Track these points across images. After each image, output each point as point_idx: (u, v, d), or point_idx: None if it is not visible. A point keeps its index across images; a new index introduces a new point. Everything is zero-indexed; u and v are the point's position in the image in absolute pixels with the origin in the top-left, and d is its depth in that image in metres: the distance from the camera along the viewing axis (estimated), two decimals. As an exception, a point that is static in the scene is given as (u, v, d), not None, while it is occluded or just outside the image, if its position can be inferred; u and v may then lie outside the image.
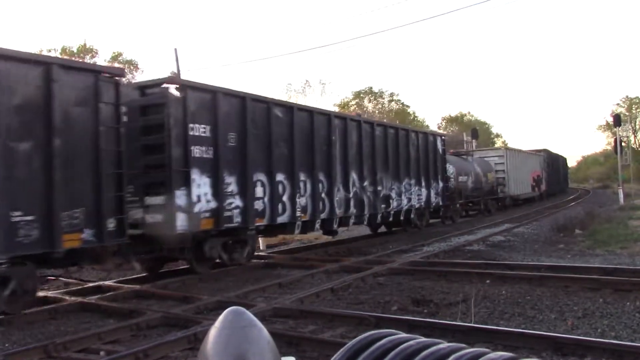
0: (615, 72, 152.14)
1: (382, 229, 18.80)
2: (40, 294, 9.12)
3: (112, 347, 6.05)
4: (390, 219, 16.81)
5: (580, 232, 16.74)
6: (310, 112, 13.22)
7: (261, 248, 15.59)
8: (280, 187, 11.85)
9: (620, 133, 35.85)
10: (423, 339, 2.23)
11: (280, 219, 11.89)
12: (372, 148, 15.44)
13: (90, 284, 9.95)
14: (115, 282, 10.08)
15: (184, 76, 30.97)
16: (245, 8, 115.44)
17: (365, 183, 15.01)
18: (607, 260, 11.41)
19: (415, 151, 17.96)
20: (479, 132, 45.47)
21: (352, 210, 14.41)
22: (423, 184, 18.36)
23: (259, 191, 11.30)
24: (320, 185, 13.08)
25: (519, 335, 5.83)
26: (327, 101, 48.73)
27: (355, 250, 14.15)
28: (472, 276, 9.33)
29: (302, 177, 12.53)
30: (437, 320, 6.62)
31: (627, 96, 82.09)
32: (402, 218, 17.40)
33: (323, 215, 13.23)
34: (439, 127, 71.62)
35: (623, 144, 37.19)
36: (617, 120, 34.18)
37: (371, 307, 7.63)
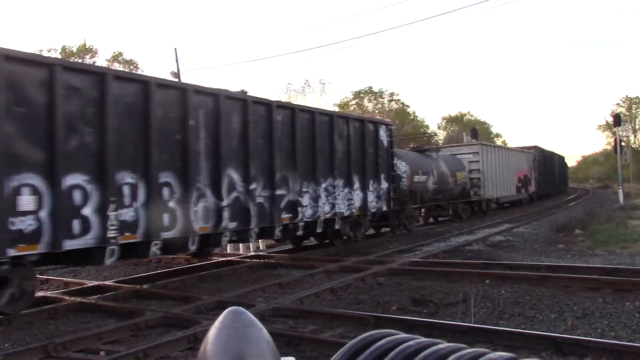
0: (615, 72, 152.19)
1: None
2: (40, 294, 9.13)
3: (112, 347, 6.06)
4: (300, 232, 12.63)
5: (580, 232, 16.75)
6: (145, 83, 8.92)
7: (261, 248, 15.60)
8: (76, 195, 7.80)
9: (620, 133, 35.82)
10: (423, 339, 2.23)
11: (73, 243, 7.68)
12: (268, 138, 11.35)
13: (90, 284, 9.95)
14: (114, 282, 10.08)
15: (184, 76, 30.96)
16: (245, 8, 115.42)
17: (254, 185, 10.85)
18: (607, 260, 11.42)
19: (344, 143, 13.95)
20: (478, 131, 45.52)
21: (227, 223, 10.16)
22: (356, 185, 14.36)
23: (25, 202, 7.23)
24: (165, 190, 9.08)
25: (518, 335, 5.83)
26: (327, 101, 48.70)
27: (355, 251, 14.15)
28: (471, 276, 9.33)
29: (128, 178, 8.51)
30: (436, 320, 6.62)
31: (627, 96, 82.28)
32: (319, 230, 13.22)
33: (169, 234, 9.09)
34: (438, 127, 71.63)
35: (623, 143, 37.18)
36: (617, 120, 34.19)
37: (371, 307, 7.63)
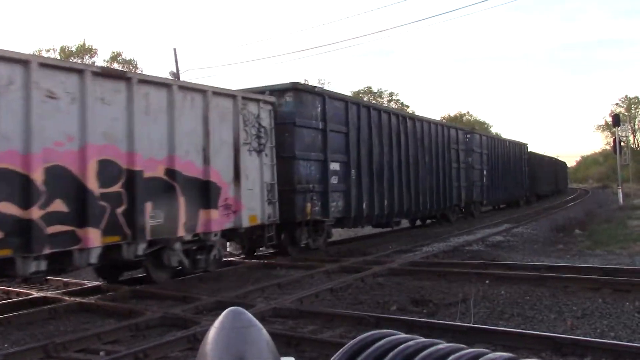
0: (614, 72, 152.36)
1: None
2: (40, 294, 9.13)
3: (112, 347, 6.06)
4: None
5: (580, 232, 16.76)
6: None
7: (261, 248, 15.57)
8: None
9: (620, 133, 35.82)
10: (422, 339, 2.23)
11: None
12: None
13: (90, 284, 9.95)
14: (115, 283, 10.08)
15: (184, 76, 30.98)
16: (246, 8, 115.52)
17: None
18: (607, 260, 11.42)
19: None
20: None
21: None
22: None
23: None
24: None
25: (518, 336, 5.83)
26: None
27: (354, 251, 14.13)
28: (471, 276, 9.33)
29: None
30: (436, 321, 6.62)
31: (626, 96, 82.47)
32: None
33: None
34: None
35: (622, 144, 37.18)
36: (617, 120, 34.17)
37: (370, 307, 7.63)
